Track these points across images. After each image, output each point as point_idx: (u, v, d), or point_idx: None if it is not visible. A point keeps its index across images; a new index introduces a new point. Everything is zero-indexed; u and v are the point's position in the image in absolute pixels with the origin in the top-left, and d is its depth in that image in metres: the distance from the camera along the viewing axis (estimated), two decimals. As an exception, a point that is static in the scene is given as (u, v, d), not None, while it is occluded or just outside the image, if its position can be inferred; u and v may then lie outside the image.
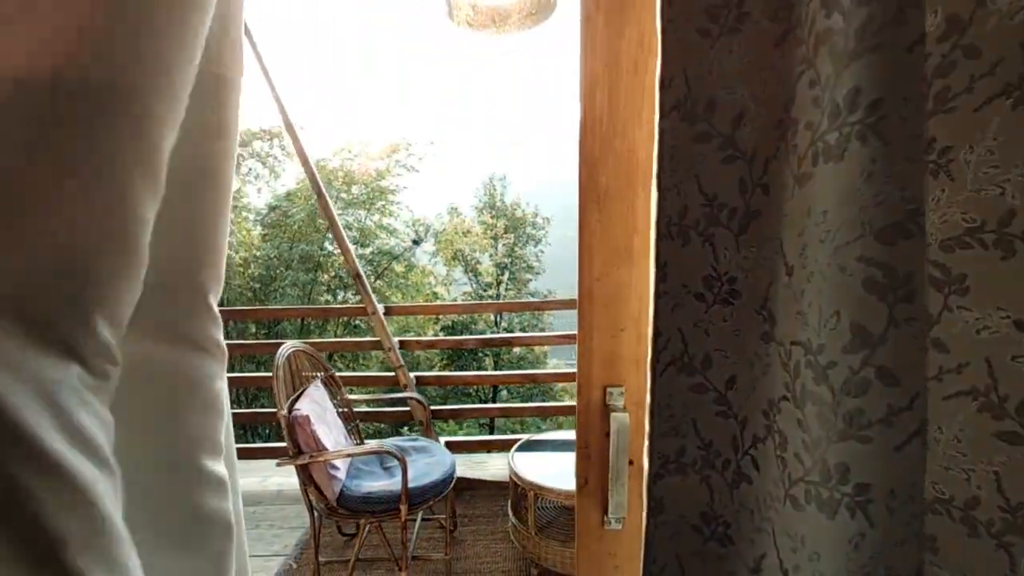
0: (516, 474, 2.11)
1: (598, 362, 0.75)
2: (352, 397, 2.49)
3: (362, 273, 3.16)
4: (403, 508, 1.90)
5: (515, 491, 2.23)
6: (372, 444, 2.32)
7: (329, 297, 11.24)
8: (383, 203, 12.29)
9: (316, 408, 2.11)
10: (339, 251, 11.70)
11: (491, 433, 11.10)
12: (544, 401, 12.32)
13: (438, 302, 13.40)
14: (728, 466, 0.60)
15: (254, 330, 9.42)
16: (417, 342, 3.33)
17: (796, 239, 0.47)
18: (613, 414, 0.73)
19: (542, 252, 15.10)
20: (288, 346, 2.16)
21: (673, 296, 0.60)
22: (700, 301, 0.60)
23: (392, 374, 3.12)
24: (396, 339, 3.20)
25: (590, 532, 0.78)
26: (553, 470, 2.15)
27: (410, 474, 2.03)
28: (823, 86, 0.44)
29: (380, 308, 3.16)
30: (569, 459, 2.36)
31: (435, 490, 2.02)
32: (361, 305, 3.19)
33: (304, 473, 1.94)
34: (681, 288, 0.60)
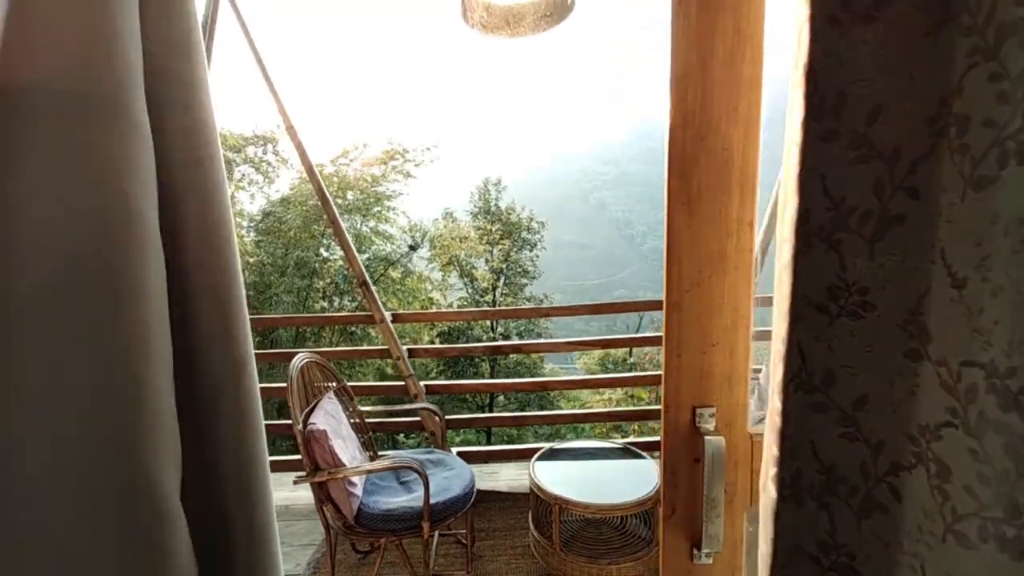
0: (538, 487, 2.05)
1: (687, 381, 0.69)
2: (364, 408, 2.41)
3: (368, 280, 3.09)
4: (426, 526, 1.82)
5: (537, 504, 2.16)
6: (389, 458, 2.24)
7: (325, 304, 11.10)
8: (379, 209, 12.19)
9: (331, 421, 2.03)
10: (336, 257, 11.58)
11: (488, 441, 11.01)
12: (542, 405, 12.25)
13: (434, 308, 13.31)
14: (855, 493, 0.55)
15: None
16: (425, 350, 3.25)
17: (972, 249, 0.42)
18: (707, 438, 0.68)
19: (537, 256, 15.07)
20: (301, 357, 2.08)
21: (792, 307, 0.55)
22: (822, 313, 0.54)
23: (400, 383, 3.04)
24: (406, 348, 3.13)
25: (677, 567, 0.72)
26: (577, 481, 2.08)
27: (429, 491, 1.95)
28: (1014, 80, 0.39)
29: (388, 316, 3.09)
30: (593, 468, 2.30)
31: (456, 506, 1.95)
32: (368, 313, 3.11)
33: (321, 490, 1.86)
34: (801, 299, 0.55)
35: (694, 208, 0.67)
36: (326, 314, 8.68)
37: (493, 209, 14.09)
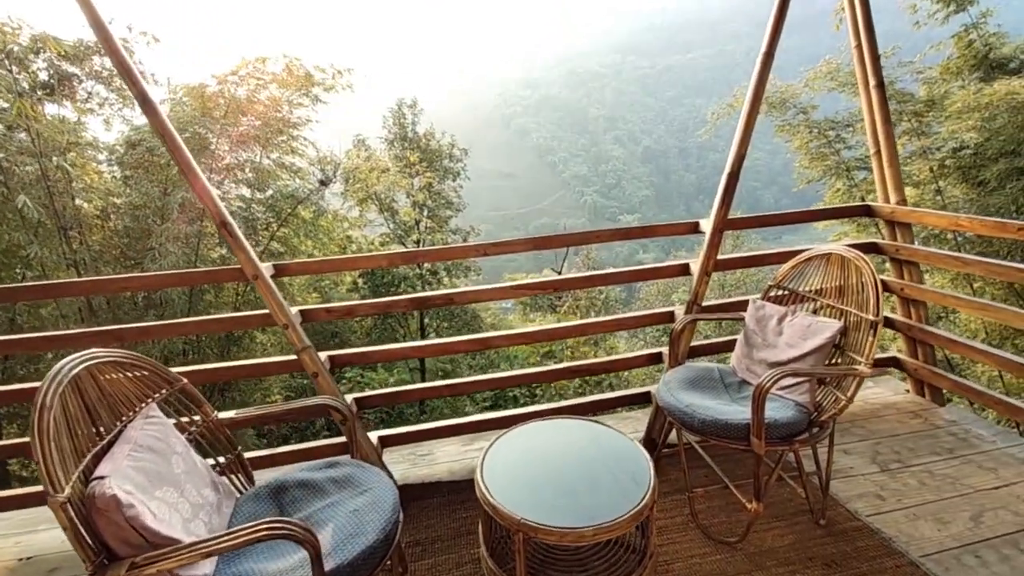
0: (493, 506, 1.38)
1: None
2: (226, 416, 1.55)
3: (230, 221, 2.10)
4: (320, 615, 1.10)
5: (490, 524, 1.52)
6: (262, 524, 1.45)
7: (224, 251, 9.46)
8: (284, 139, 10.26)
9: (145, 463, 1.19)
10: (232, 196, 9.79)
11: (423, 378, 10.39)
12: (473, 332, 11.74)
13: (354, 247, 11.93)
14: None
15: (130, 295, 7.62)
16: (328, 310, 2.38)
17: None
18: None
19: (460, 187, 13.92)
20: (70, 364, 1.15)
21: None
22: None
23: (292, 357, 2.18)
24: (296, 310, 2.24)
25: None
26: (545, 490, 1.44)
27: (327, 542, 1.22)
28: None
29: (265, 269, 2.16)
30: (562, 463, 1.63)
31: (371, 561, 1.23)
32: (235, 267, 2.16)
33: (125, 590, 1.05)
34: None
35: None
36: (171, 271, 6.53)
37: (410, 135, 12.53)
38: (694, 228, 2.52)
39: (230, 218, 2.10)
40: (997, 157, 7.25)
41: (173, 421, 1.41)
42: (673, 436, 2.23)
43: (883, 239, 2.73)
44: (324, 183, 11.55)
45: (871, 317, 1.64)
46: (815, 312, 1.94)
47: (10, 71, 6.90)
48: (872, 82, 2.69)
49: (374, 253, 2.33)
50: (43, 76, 8.05)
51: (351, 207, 12.19)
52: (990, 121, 7.24)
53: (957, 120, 7.27)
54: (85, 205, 7.61)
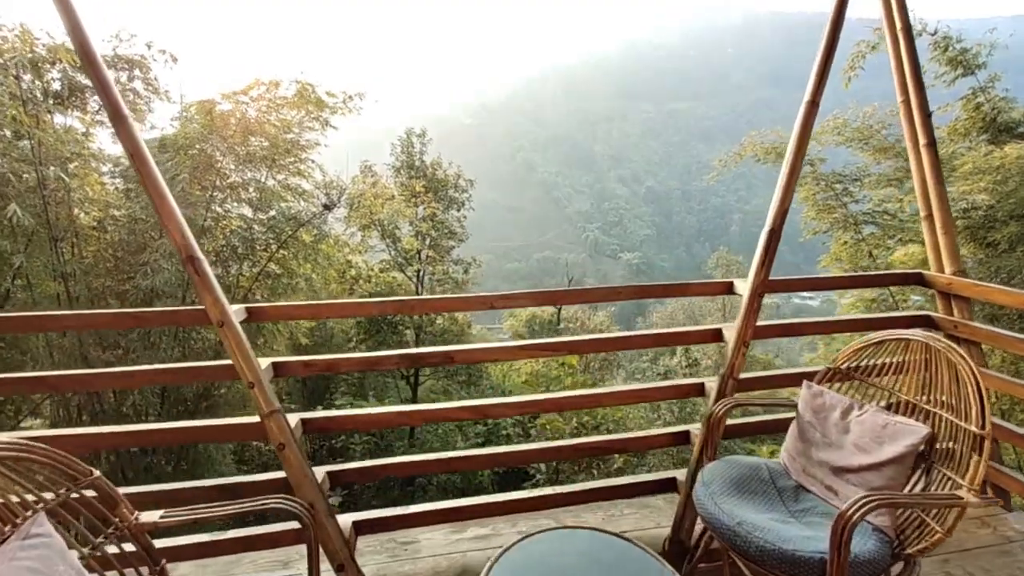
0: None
1: None
2: (148, 520, 1.18)
3: (200, 257, 1.78)
4: None
5: None
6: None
7: (220, 270, 9.13)
8: (291, 160, 10.11)
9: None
10: (233, 214, 9.56)
11: (414, 400, 9.92)
12: (469, 376, 11.27)
13: (353, 272, 11.60)
14: None
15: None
16: (306, 364, 2.02)
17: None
18: None
19: (465, 217, 13.78)
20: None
21: None
22: None
23: (255, 418, 1.81)
24: (268, 363, 1.88)
25: None
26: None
27: None
28: None
29: (235, 313, 1.81)
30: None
31: None
32: (199, 308, 1.82)
33: None
34: None
35: None
36: (122, 311, 6.58)
37: (417, 164, 12.43)
38: (728, 289, 2.21)
39: (200, 253, 1.78)
40: (1008, 220, 7.07)
41: (54, 527, 1.04)
42: (702, 530, 1.85)
43: (938, 311, 2.43)
44: (328, 207, 11.35)
45: (975, 429, 1.30)
46: (889, 408, 1.60)
47: (17, 78, 6.74)
48: (923, 141, 2.45)
49: (365, 300, 1.98)
50: (56, 86, 7.94)
51: (353, 232, 11.95)
52: (1001, 184, 7.09)
53: (967, 181, 7.14)
54: (82, 216, 7.33)
